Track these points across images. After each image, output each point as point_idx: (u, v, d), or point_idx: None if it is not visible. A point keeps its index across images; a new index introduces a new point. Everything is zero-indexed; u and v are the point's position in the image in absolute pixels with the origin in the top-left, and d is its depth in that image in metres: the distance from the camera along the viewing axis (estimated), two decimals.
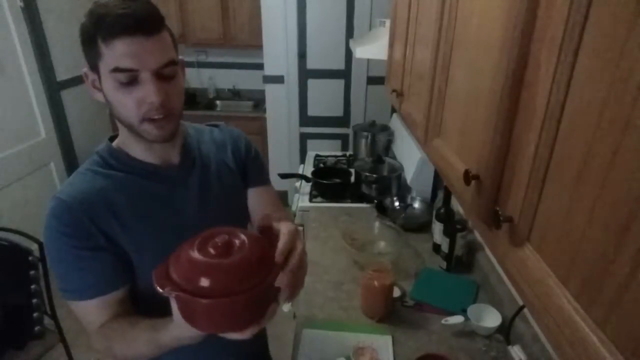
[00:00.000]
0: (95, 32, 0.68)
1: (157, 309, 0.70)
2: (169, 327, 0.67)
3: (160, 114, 0.73)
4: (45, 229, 0.75)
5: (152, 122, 0.74)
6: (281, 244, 0.64)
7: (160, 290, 0.56)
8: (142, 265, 0.80)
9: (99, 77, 0.73)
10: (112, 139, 0.86)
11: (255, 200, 1.00)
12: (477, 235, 1.55)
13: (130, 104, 0.72)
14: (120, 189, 0.79)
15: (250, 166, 0.99)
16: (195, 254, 0.58)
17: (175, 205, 0.84)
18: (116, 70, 0.69)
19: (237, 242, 0.61)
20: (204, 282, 0.55)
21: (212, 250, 0.59)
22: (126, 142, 0.82)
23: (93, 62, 0.72)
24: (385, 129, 2.43)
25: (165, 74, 0.73)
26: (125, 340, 0.76)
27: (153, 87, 0.70)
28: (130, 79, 0.70)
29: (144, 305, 0.82)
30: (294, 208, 2.09)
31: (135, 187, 0.81)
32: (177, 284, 0.57)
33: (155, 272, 0.59)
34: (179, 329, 0.64)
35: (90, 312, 0.78)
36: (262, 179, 1.03)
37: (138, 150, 0.82)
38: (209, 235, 0.62)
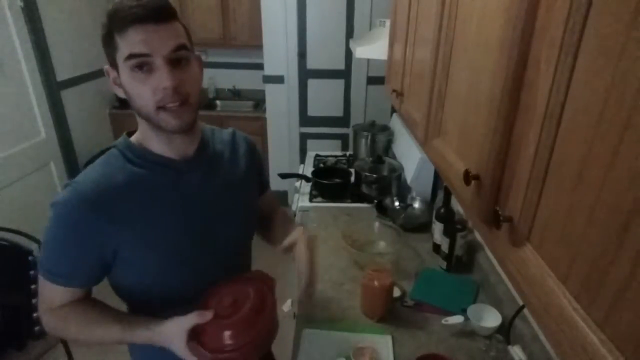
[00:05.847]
0: (111, 27, 0.72)
1: (142, 301, 0.86)
2: (149, 328, 0.78)
3: (175, 101, 0.75)
4: (52, 205, 0.76)
5: (169, 112, 0.76)
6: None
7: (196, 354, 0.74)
8: (135, 259, 0.81)
9: (118, 72, 0.75)
10: (129, 134, 0.87)
11: (263, 203, 1.10)
12: (477, 235, 1.55)
13: (146, 93, 0.74)
14: (134, 183, 0.80)
15: (262, 174, 1.09)
16: (214, 320, 0.76)
17: (187, 200, 0.85)
18: (130, 57, 0.72)
19: (240, 297, 0.80)
20: (227, 340, 0.75)
21: (224, 311, 0.77)
22: (145, 137, 0.83)
23: (112, 57, 0.75)
24: (385, 129, 2.43)
25: (178, 58, 0.75)
26: (83, 323, 0.81)
27: (165, 71, 0.72)
28: (144, 65, 0.72)
29: (130, 296, 0.88)
30: (294, 208, 2.09)
31: (149, 182, 0.82)
32: (207, 347, 0.75)
33: (189, 345, 0.75)
34: (165, 343, 0.77)
35: (55, 294, 0.81)
36: (267, 183, 1.13)
37: (157, 145, 0.83)
38: (217, 296, 0.80)
